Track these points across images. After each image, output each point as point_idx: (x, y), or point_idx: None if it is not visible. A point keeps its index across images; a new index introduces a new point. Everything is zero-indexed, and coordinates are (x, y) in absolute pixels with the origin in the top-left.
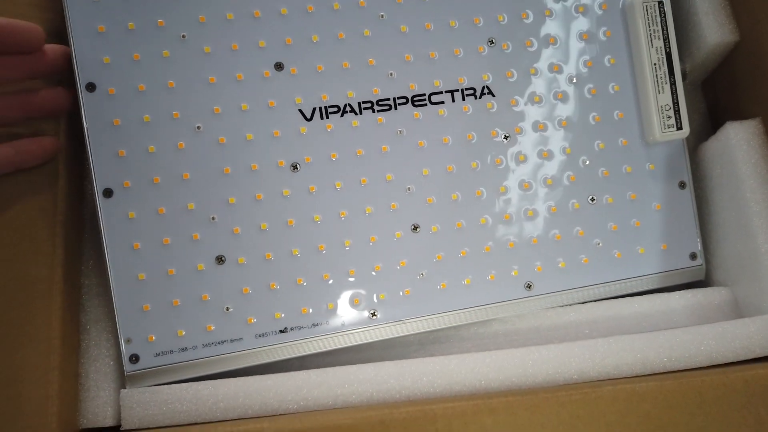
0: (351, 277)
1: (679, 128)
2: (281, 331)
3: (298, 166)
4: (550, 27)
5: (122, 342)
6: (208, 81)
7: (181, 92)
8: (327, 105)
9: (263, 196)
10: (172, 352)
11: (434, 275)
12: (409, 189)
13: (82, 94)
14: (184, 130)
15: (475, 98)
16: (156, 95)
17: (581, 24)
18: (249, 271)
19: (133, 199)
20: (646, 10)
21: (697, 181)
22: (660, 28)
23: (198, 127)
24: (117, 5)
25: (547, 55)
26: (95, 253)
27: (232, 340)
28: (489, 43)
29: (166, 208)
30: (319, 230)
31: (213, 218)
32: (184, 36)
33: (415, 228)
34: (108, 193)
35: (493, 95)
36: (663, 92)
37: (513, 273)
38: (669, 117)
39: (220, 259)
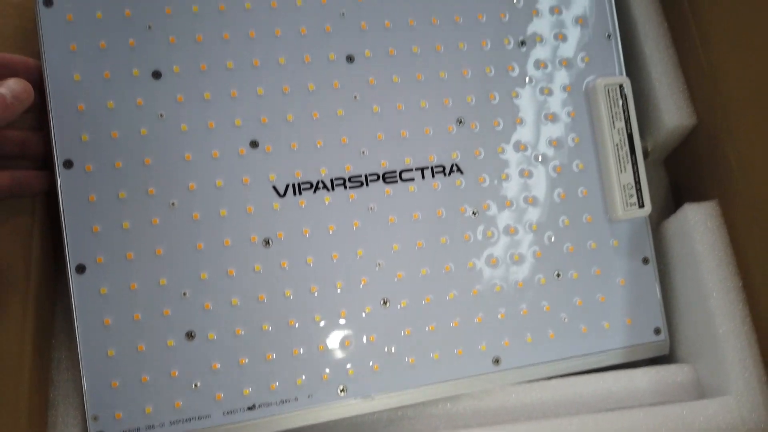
0: (321, 352)
1: (641, 206)
2: (249, 408)
3: (270, 241)
4: (517, 107)
5: (89, 419)
6: (184, 158)
7: (157, 170)
8: (300, 182)
9: (235, 272)
10: (138, 429)
11: (403, 350)
12: (379, 264)
13: (60, 171)
14: (159, 206)
15: (445, 175)
16: (132, 172)
17: (547, 104)
18: (218, 347)
19: (105, 275)
20: (608, 93)
21: (660, 257)
22: (621, 110)
23: (173, 204)
24: (97, 85)
25: (514, 134)
26: (67, 326)
27: (199, 417)
28: (458, 123)
29: (138, 284)
30: (289, 305)
31: (184, 294)
32: (162, 115)
33: (385, 302)
34: (81, 269)
35: (462, 172)
36: (625, 171)
37: (481, 347)
38: (631, 195)
39: (190, 335)
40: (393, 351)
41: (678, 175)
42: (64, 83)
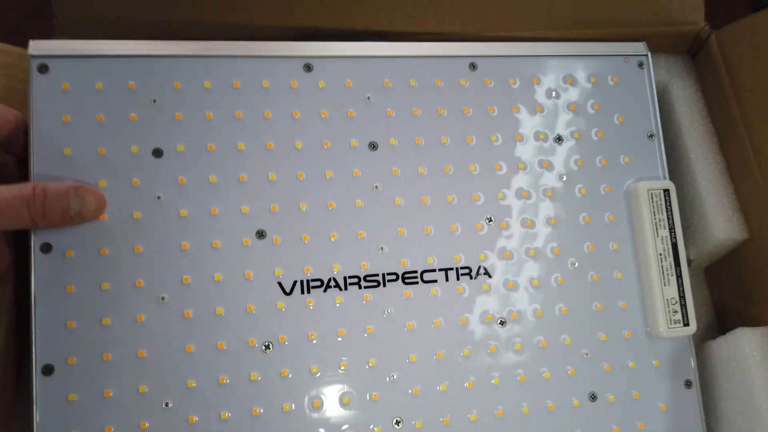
0: None
1: (686, 324)
2: None
3: (270, 345)
4: (552, 207)
5: None
6: (180, 247)
7: (148, 258)
8: (310, 278)
9: (228, 380)
10: None
11: None
12: (392, 377)
13: (35, 255)
14: (147, 301)
15: (471, 278)
16: (119, 261)
17: (584, 206)
18: None
19: (76, 379)
20: (651, 198)
21: (702, 380)
22: (666, 216)
23: (162, 298)
24: (89, 161)
25: (548, 237)
26: None
27: None
28: (487, 221)
29: (113, 391)
30: (289, 422)
31: (167, 404)
32: (159, 197)
33: (397, 423)
34: (48, 369)
35: (490, 276)
36: (669, 284)
37: None
38: (675, 311)
39: None
40: None
41: (720, 289)
42: (51, 156)
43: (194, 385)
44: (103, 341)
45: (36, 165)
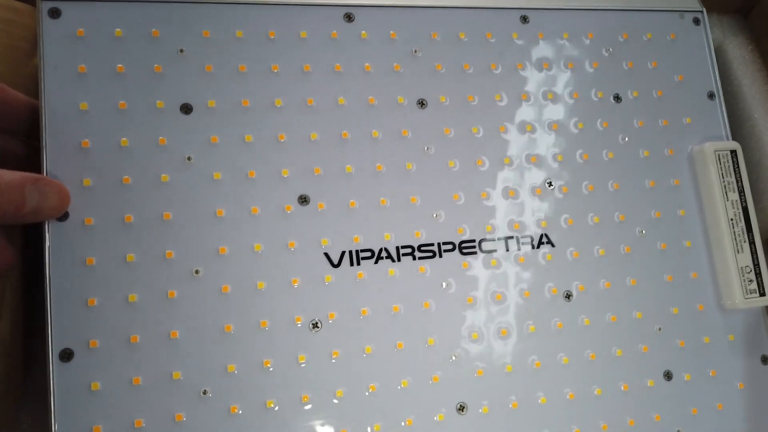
0: None
1: (762, 294)
2: None
3: (319, 324)
4: (613, 171)
5: None
6: (214, 214)
7: (179, 226)
8: (359, 248)
9: (272, 363)
10: None
11: None
12: (454, 357)
13: (49, 225)
14: (178, 274)
15: (532, 248)
16: (146, 229)
17: (647, 169)
18: None
19: (99, 365)
20: (719, 159)
21: None
22: (734, 179)
23: (196, 272)
24: (109, 117)
25: (611, 202)
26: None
27: None
28: (548, 185)
29: (143, 378)
30: (342, 411)
31: (205, 392)
32: (189, 158)
33: (461, 408)
34: (66, 355)
35: (552, 245)
36: (742, 251)
37: None
38: (750, 281)
39: None
40: None
41: None
42: (65, 112)
43: (235, 369)
44: (130, 321)
45: (48, 122)
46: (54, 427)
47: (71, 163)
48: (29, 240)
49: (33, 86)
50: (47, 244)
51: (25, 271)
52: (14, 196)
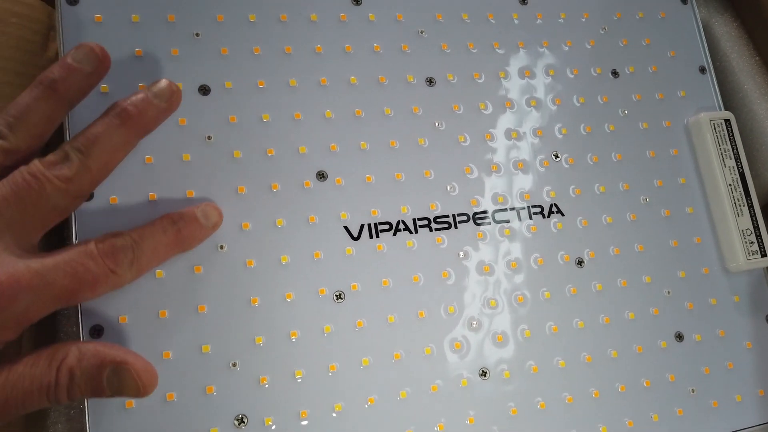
0: None
1: (764, 255)
2: None
3: (342, 295)
4: (615, 142)
5: None
6: (236, 190)
7: (204, 200)
8: (377, 221)
9: (299, 334)
10: None
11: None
12: (474, 324)
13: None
14: (204, 249)
15: (543, 217)
16: (170, 206)
17: (647, 140)
18: None
19: (129, 340)
20: (714, 128)
21: None
22: (730, 147)
23: (221, 247)
24: None
25: (615, 171)
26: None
27: None
28: (554, 157)
29: (173, 352)
30: (368, 378)
31: (234, 364)
32: (209, 138)
33: (484, 373)
34: (96, 332)
35: (563, 214)
36: (742, 215)
37: (601, 430)
38: (752, 242)
39: (241, 420)
40: None
41: None
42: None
43: (263, 341)
44: (158, 296)
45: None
46: (86, 402)
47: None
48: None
49: None
50: (73, 222)
51: None
52: (93, 385)
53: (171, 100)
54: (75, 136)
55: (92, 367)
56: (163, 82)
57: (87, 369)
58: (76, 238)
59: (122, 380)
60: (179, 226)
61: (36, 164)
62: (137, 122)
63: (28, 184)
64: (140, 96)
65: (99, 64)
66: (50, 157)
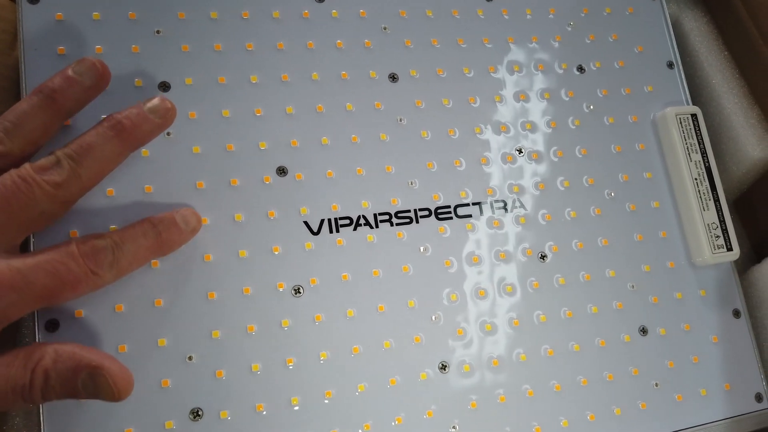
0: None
1: (729, 249)
2: None
3: (301, 289)
4: (580, 138)
5: None
6: (195, 186)
7: (160, 199)
8: (338, 216)
9: (257, 328)
10: None
11: (468, 428)
12: (434, 318)
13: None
14: None
15: (506, 211)
16: (128, 203)
17: (613, 135)
18: (233, 429)
19: (85, 334)
20: (680, 123)
21: (750, 310)
22: (696, 141)
23: None
24: None
25: (581, 167)
26: None
27: None
28: (518, 152)
29: (128, 345)
30: (325, 371)
31: (190, 358)
32: (169, 134)
33: (444, 367)
34: (52, 325)
35: (525, 209)
36: (708, 209)
37: (562, 424)
38: (717, 236)
39: (196, 414)
40: (457, 429)
41: (755, 217)
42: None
43: (220, 335)
44: (114, 291)
45: None
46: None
47: (54, 143)
48: None
49: (14, 76)
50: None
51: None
52: (68, 388)
53: (166, 116)
54: (68, 143)
55: (67, 370)
56: (158, 99)
57: (62, 372)
58: (33, 237)
59: (97, 385)
60: (159, 230)
61: (26, 168)
62: (131, 135)
63: (17, 186)
64: (136, 110)
65: (99, 79)
66: (41, 162)
